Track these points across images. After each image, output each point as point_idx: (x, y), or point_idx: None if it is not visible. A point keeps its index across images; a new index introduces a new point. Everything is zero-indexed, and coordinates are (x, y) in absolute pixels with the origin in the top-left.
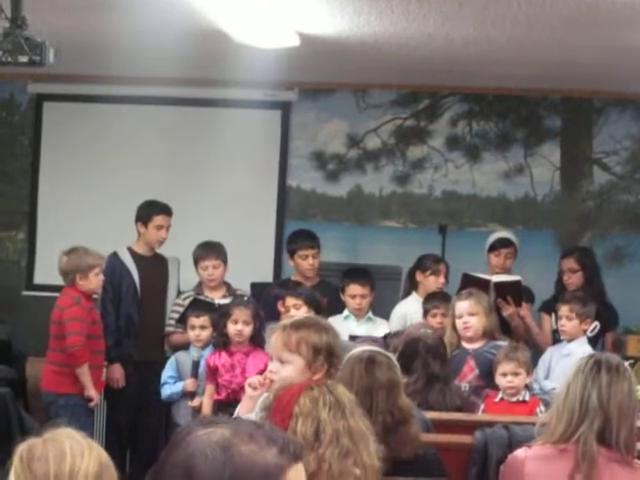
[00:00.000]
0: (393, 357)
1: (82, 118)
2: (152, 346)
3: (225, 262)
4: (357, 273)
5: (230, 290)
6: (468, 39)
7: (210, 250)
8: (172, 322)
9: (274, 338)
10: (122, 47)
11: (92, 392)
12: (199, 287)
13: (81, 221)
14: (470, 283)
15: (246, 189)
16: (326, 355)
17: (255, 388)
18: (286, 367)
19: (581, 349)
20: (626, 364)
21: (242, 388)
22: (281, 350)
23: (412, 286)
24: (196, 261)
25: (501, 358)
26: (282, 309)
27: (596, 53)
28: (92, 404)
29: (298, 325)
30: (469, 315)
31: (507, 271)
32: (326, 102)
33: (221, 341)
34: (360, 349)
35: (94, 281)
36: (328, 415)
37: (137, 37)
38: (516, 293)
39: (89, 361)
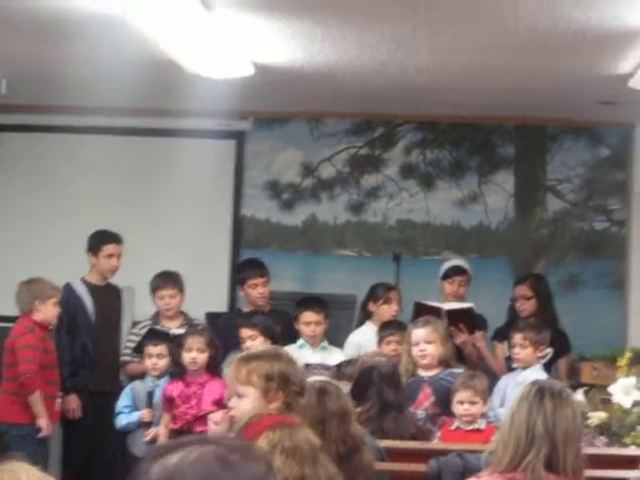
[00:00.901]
0: (342, 386)
1: (37, 148)
2: (107, 376)
3: (182, 292)
4: (311, 301)
5: (187, 320)
6: (422, 67)
7: (167, 280)
8: (128, 351)
9: (228, 373)
10: (77, 77)
11: (43, 421)
12: (156, 317)
13: (37, 252)
14: (422, 311)
15: (201, 219)
16: (280, 383)
17: (216, 423)
18: (243, 400)
19: (536, 376)
20: (580, 391)
21: (197, 419)
22: (235, 384)
23: (366, 316)
24: (153, 291)
25: (458, 386)
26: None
27: (549, 81)
28: (41, 434)
29: (248, 358)
30: (426, 343)
31: (461, 299)
32: (280, 131)
33: (177, 371)
34: (311, 380)
35: (51, 311)
36: (282, 463)
37: (92, 67)
38: (469, 320)
39: (43, 391)
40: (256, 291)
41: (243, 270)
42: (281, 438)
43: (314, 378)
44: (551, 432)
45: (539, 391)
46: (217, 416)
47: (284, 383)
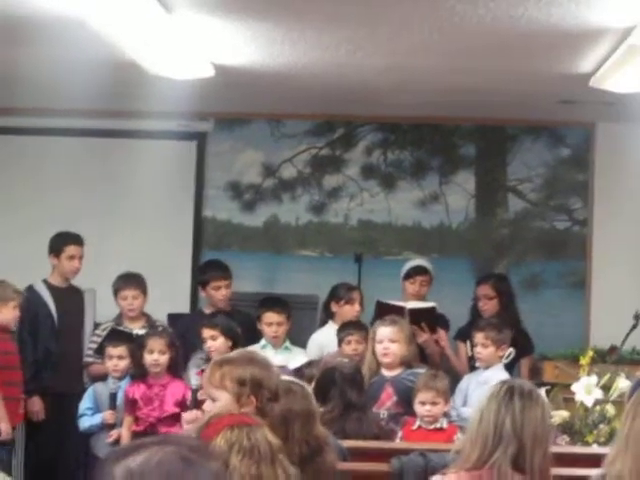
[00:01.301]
0: (307, 386)
1: None
2: (71, 377)
3: (145, 293)
4: (273, 301)
5: (150, 321)
6: (381, 68)
7: (129, 281)
8: (91, 352)
9: (203, 377)
10: (37, 79)
11: (4, 424)
12: (119, 318)
13: None
14: (384, 310)
15: (162, 220)
16: (252, 387)
17: (189, 423)
18: (216, 404)
19: (498, 376)
20: (542, 390)
21: (160, 421)
22: (208, 388)
23: (328, 316)
24: (116, 292)
25: (420, 386)
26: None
27: (510, 80)
28: (1, 438)
29: (222, 361)
30: (390, 341)
31: (422, 298)
32: (241, 132)
33: (139, 372)
34: None
35: (11, 313)
36: (239, 461)
37: (52, 68)
38: (431, 319)
39: (4, 393)
40: (219, 293)
41: (206, 272)
42: (238, 437)
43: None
44: (519, 431)
45: (509, 390)
46: (190, 416)
47: (256, 388)
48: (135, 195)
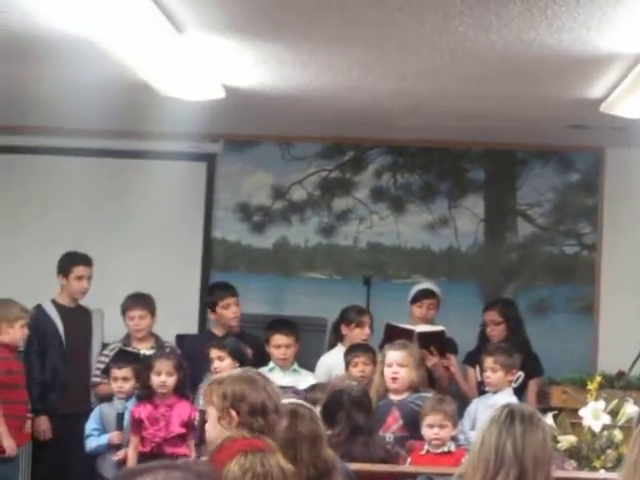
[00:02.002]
0: (315, 409)
1: (6, 170)
2: (78, 398)
3: (153, 313)
4: (281, 323)
5: (159, 342)
6: (392, 91)
7: (137, 300)
8: (98, 373)
9: None
10: (48, 98)
11: (8, 442)
12: (127, 338)
13: (6, 273)
14: (394, 333)
15: (171, 241)
16: (232, 401)
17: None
18: (208, 421)
19: (506, 399)
20: (550, 415)
21: (166, 441)
22: (205, 405)
23: (337, 338)
24: (124, 311)
25: (428, 410)
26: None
27: (519, 105)
28: (7, 454)
29: (214, 379)
30: (399, 366)
31: (430, 322)
32: (251, 154)
33: (145, 393)
34: (283, 402)
35: (19, 332)
36: None
37: (63, 88)
38: (440, 343)
39: (6, 411)
40: (230, 311)
41: (214, 292)
42: (252, 463)
43: (285, 400)
44: (520, 455)
45: (509, 414)
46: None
47: (237, 402)
48: (144, 216)
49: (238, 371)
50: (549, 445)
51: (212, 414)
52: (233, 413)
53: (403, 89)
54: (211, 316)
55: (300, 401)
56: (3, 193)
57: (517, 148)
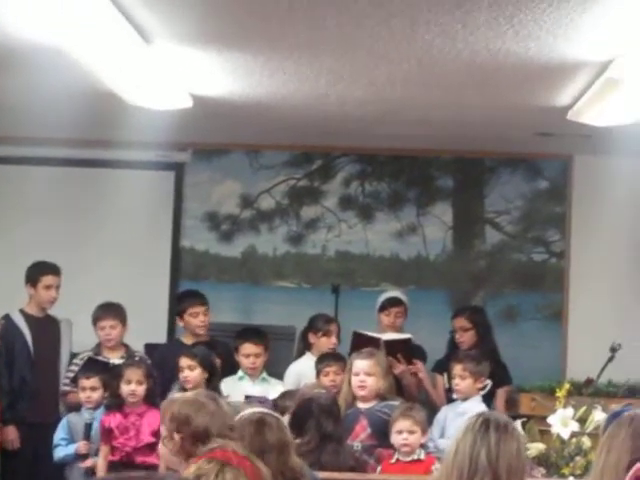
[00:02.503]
0: (282, 418)
1: None
2: (46, 407)
3: (124, 323)
4: (250, 332)
5: (129, 351)
6: (360, 99)
7: (108, 310)
8: (67, 382)
9: None
10: (15, 107)
11: None
12: (97, 348)
13: None
14: (361, 341)
15: (140, 250)
16: (177, 426)
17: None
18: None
19: (475, 407)
20: (518, 422)
21: (137, 450)
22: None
23: (305, 346)
24: (94, 321)
25: (397, 416)
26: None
27: (487, 113)
28: None
29: (174, 399)
30: (366, 374)
31: (398, 330)
32: (219, 163)
33: (114, 402)
34: (249, 411)
35: None
36: None
37: (29, 97)
38: (407, 351)
39: None
40: (197, 320)
41: (183, 300)
42: (209, 471)
43: (252, 410)
44: (494, 464)
45: (484, 422)
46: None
47: (181, 426)
48: (113, 225)
49: (190, 394)
50: (523, 454)
51: (162, 432)
52: (176, 437)
53: (371, 97)
54: (179, 323)
55: (266, 410)
56: None
57: (485, 156)
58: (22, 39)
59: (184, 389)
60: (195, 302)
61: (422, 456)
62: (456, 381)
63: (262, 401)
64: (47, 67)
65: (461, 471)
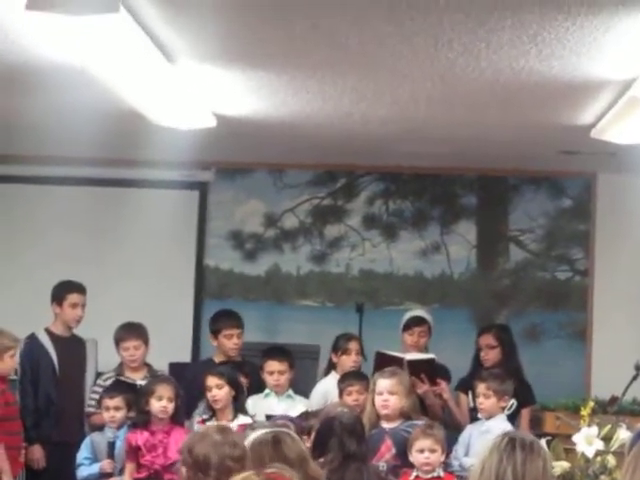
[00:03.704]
0: (292, 431)
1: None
2: (71, 427)
3: (146, 343)
4: (275, 350)
5: (151, 371)
6: (384, 118)
7: (131, 331)
8: (93, 403)
9: None
10: (39, 127)
11: (7, 477)
12: (120, 368)
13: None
14: (384, 361)
15: (164, 269)
16: (183, 458)
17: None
18: None
19: (500, 426)
20: (543, 441)
21: (164, 468)
22: None
23: (331, 366)
24: (117, 342)
25: (418, 434)
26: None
27: (510, 131)
28: None
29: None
30: (389, 393)
31: (421, 349)
32: (243, 182)
33: (141, 419)
34: (261, 432)
35: (9, 363)
36: None
37: (54, 117)
38: (430, 371)
39: (5, 442)
40: (231, 342)
41: (219, 320)
42: None
43: (263, 430)
44: None
45: (510, 442)
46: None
47: (185, 456)
48: (137, 244)
49: (202, 427)
50: (549, 473)
51: None
52: (183, 469)
53: (395, 115)
54: (213, 342)
55: (277, 428)
56: None
57: (509, 174)
58: (47, 59)
59: (211, 408)
60: (230, 324)
61: (441, 474)
62: (480, 400)
63: (288, 419)
64: (71, 87)
65: None
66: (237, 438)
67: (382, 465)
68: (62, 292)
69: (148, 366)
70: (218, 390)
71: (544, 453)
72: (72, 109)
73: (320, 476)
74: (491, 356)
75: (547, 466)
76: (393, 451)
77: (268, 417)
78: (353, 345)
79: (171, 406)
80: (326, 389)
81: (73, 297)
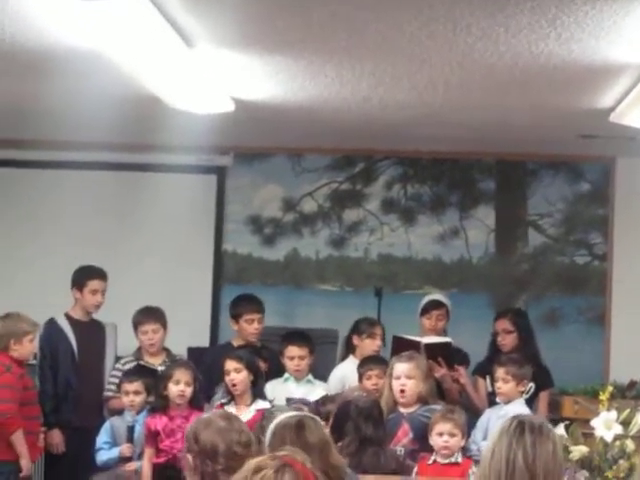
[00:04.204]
0: (317, 417)
1: (15, 184)
2: (90, 411)
3: (164, 327)
4: (295, 335)
5: (170, 356)
6: (402, 102)
7: (149, 315)
8: (112, 387)
9: None
10: (57, 112)
11: (25, 461)
12: (138, 352)
13: (18, 287)
14: (401, 345)
15: (182, 254)
16: (188, 445)
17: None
18: None
19: (518, 410)
20: (561, 426)
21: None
22: None
23: (349, 350)
24: (135, 326)
25: (438, 418)
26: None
27: (528, 116)
28: (23, 474)
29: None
30: (406, 378)
31: (440, 333)
32: (261, 166)
33: (160, 404)
34: (286, 416)
35: (28, 347)
36: None
37: (73, 102)
38: (447, 355)
39: (24, 427)
40: (252, 327)
41: (240, 305)
42: (269, 465)
43: (288, 414)
44: (531, 466)
45: (519, 425)
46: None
47: (191, 444)
48: (155, 229)
49: (205, 414)
50: (559, 456)
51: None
52: (189, 456)
53: (413, 100)
54: (233, 326)
55: (301, 412)
56: (14, 207)
57: (527, 158)
58: (64, 44)
59: (230, 393)
60: (252, 309)
61: (459, 459)
62: (499, 384)
63: (306, 403)
64: (89, 71)
65: (498, 475)
66: (242, 425)
67: (399, 449)
68: (83, 278)
69: (167, 351)
70: (236, 374)
71: (553, 436)
72: (90, 94)
73: (342, 464)
74: (508, 341)
75: (557, 449)
76: (410, 435)
77: (288, 401)
78: (378, 330)
79: (189, 390)
80: (344, 373)
81: (94, 283)
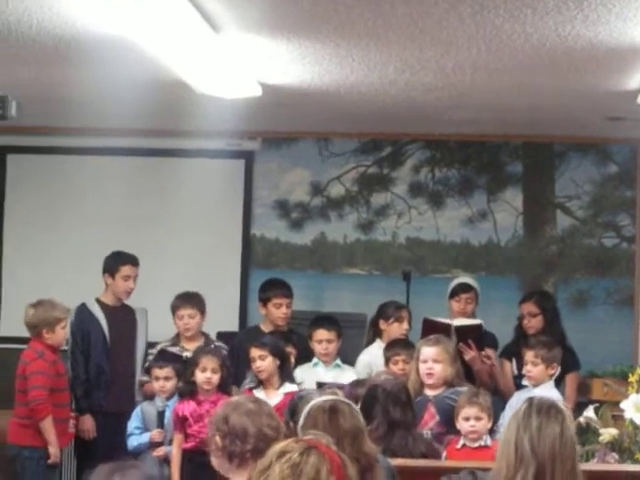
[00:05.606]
0: (353, 404)
1: (46, 170)
2: (122, 396)
3: (202, 312)
4: (323, 319)
5: (208, 341)
6: (429, 85)
7: (186, 300)
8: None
9: None
10: (85, 99)
11: (53, 449)
12: (176, 338)
13: (47, 273)
14: (431, 328)
15: (210, 238)
16: (217, 426)
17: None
18: None
19: (548, 393)
20: (590, 408)
21: None
22: None
23: (375, 334)
24: (173, 311)
25: (464, 402)
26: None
27: (556, 98)
28: (50, 461)
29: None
30: (433, 362)
31: (469, 316)
32: (289, 151)
33: (188, 390)
34: (321, 399)
35: (60, 334)
36: (279, 468)
37: (100, 89)
38: (477, 337)
39: (53, 414)
40: (280, 311)
41: (269, 289)
42: (294, 449)
43: (323, 397)
44: (536, 450)
45: (528, 408)
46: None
47: (220, 425)
48: (184, 213)
49: (233, 397)
50: (569, 438)
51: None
52: (217, 438)
53: (440, 83)
54: (261, 311)
55: (337, 397)
56: (42, 194)
57: (555, 140)
58: (91, 32)
59: (258, 379)
60: (280, 293)
61: (489, 442)
62: (528, 367)
63: (339, 387)
64: (116, 58)
65: (508, 460)
66: (271, 409)
67: (426, 433)
68: (115, 264)
69: (205, 336)
70: (261, 361)
71: (562, 417)
72: (118, 81)
73: (374, 454)
74: (534, 323)
75: (565, 430)
76: (437, 418)
77: (319, 385)
78: (405, 313)
79: (216, 377)
80: (370, 359)
81: (126, 269)
